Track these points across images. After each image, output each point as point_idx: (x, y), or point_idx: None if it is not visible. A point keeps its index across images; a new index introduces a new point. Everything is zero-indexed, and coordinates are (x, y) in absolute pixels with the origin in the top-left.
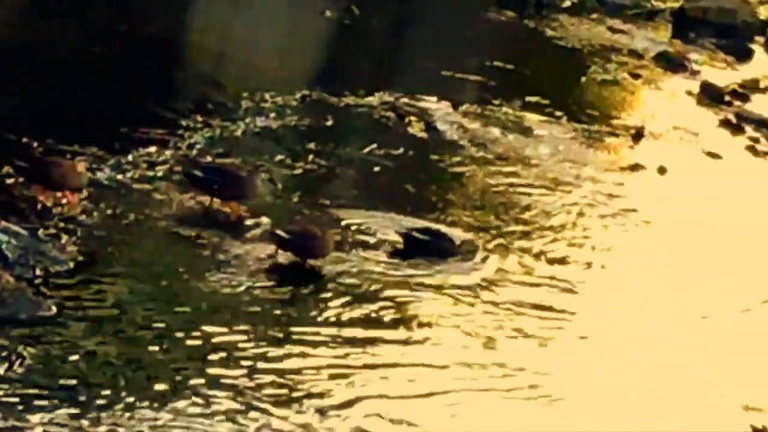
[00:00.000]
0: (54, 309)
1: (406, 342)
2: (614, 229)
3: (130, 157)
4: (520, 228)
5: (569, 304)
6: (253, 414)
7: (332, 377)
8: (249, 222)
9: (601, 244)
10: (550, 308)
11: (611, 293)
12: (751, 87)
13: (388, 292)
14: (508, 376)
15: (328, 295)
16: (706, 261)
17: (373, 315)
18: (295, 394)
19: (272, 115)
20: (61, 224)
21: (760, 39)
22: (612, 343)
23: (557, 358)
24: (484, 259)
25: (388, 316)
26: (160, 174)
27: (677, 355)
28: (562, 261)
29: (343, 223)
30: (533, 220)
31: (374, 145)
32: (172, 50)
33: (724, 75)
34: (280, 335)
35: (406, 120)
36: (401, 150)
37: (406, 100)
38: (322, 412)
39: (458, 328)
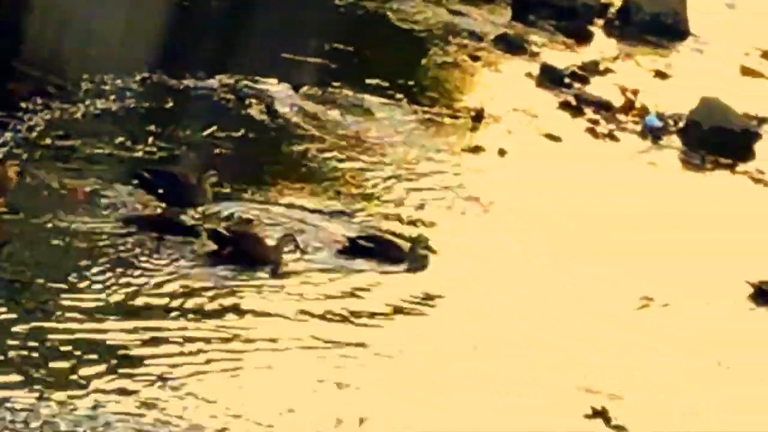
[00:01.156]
0: None
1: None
2: (456, 213)
3: None
4: (362, 211)
5: (415, 286)
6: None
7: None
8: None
9: (445, 228)
10: (405, 288)
11: (456, 275)
12: (590, 69)
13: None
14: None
15: None
16: (550, 244)
17: None
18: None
19: (112, 97)
20: None
21: (600, 21)
22: (461, 325)
23: (413, 339)
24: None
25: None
26: None
27: (523, 338)
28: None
29: None
30: (375, 202)
31: (214, 128)
32: (10, 32)
33: (564, 57)
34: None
35: (247, 102)
36: (241, 132)
37: (246, 82)
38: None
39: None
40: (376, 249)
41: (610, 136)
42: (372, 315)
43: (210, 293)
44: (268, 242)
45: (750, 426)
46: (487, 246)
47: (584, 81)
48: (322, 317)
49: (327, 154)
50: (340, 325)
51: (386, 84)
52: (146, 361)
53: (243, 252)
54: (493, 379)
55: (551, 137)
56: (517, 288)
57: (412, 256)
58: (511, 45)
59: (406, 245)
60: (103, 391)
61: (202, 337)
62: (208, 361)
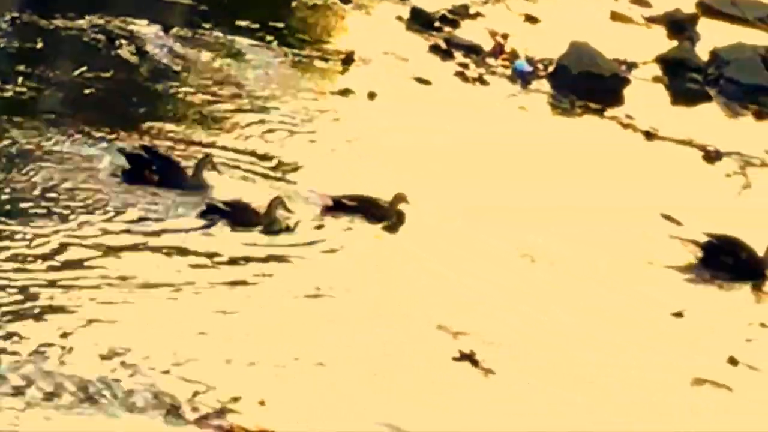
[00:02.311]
0: None
1: None
2: (325, 153)
3: None
4: (232, 151)
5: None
6: None
7: None
8: None
9: (313, 167)
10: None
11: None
12: (460, 13)
13: None
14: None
15: None
16: (418, 184)
17: None
18: None
19: None
20: None
21: None
22: (335, 261)
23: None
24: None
25: None
26: None
27: (386, 278)
28: (280, 180)
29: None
30: (244, 143)
31: (84, 68)
32: None
33: (434, 1)
34: None
35: (117, 43)
36: (111, 73)
37: (116, 23)
38: None
39: None
40: (360, 207)
41: (480, 80)
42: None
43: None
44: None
45: (612, 367)
46: (355, 185)
47: (454, 25)
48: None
49: (198, 96)
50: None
51: (257, 26)
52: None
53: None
54: (359, 320)
55: (421, 81)
56: (380, 230)
57: (391, 213)
58: None
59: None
60: None
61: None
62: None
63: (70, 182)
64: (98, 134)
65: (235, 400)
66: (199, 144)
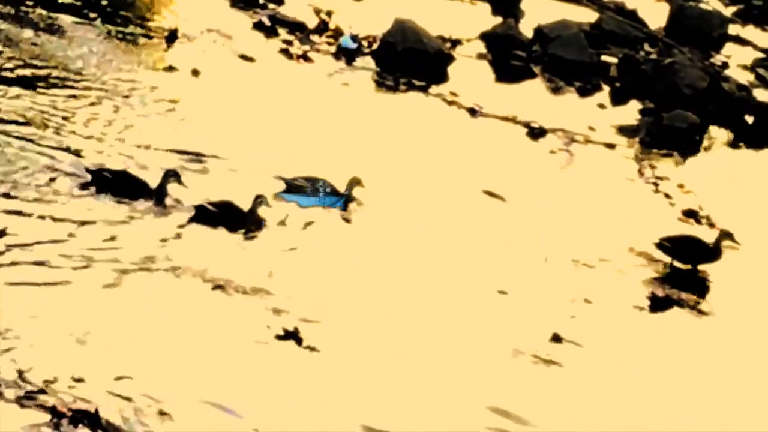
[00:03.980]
0: None
1: None
2: (151, 128)
3: None
4: (56, 129)
5: None
6: None
7: None
8: None
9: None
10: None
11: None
12: None
13: None
14: None
15: None
16: (243, 155)
17: None
18: None
19: None
20: None
21: None
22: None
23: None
24: None
25: None
26: None
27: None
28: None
29: None
30: (66, 121)
31: None
32: None
33: None
34: None
35: None
36: None
37: None
38: None
39: None
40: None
41: (305, 57)
42: None
43: None
44: None
45: (435, 343)
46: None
47: (278, 2)
48: None
49: (19, 72)
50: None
51: (79, 3)
52: None
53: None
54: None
55: (245, 58)
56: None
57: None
58: None
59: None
60: None
61: None
62: None
63: None
64: None
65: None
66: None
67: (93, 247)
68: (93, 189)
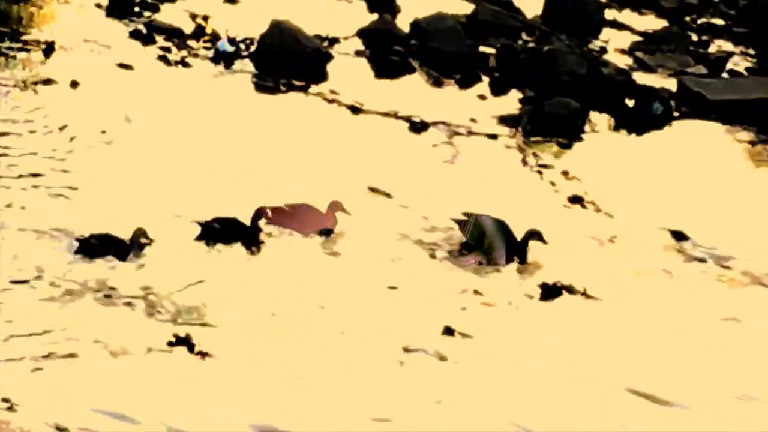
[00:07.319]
0: None
1: None
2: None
3: None
4: None
5: None
6: None
7: None
8: None
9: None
10: None
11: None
12: None
13: None
14: None
15: None
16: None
17: None
18: None
19: None
20: None
21: None
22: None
23: None
24: None
25: None
26: None
27: None
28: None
29: None
30: None
31: None
32: None
33: None
34: None
35: None
36: None
37: None
38: None
39: None
40: None
41: (183, 62)
42: None
43: None
44: None
45: (326, 342)
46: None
47: (154, 9)
48: None
49: None
50: None
51: None
52: None
53: None
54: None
55: (124, 66)
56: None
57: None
58: None
59: None
60: None
61: None
62: None
63: None
64: None
65: None
66: None
67: None
68: None
